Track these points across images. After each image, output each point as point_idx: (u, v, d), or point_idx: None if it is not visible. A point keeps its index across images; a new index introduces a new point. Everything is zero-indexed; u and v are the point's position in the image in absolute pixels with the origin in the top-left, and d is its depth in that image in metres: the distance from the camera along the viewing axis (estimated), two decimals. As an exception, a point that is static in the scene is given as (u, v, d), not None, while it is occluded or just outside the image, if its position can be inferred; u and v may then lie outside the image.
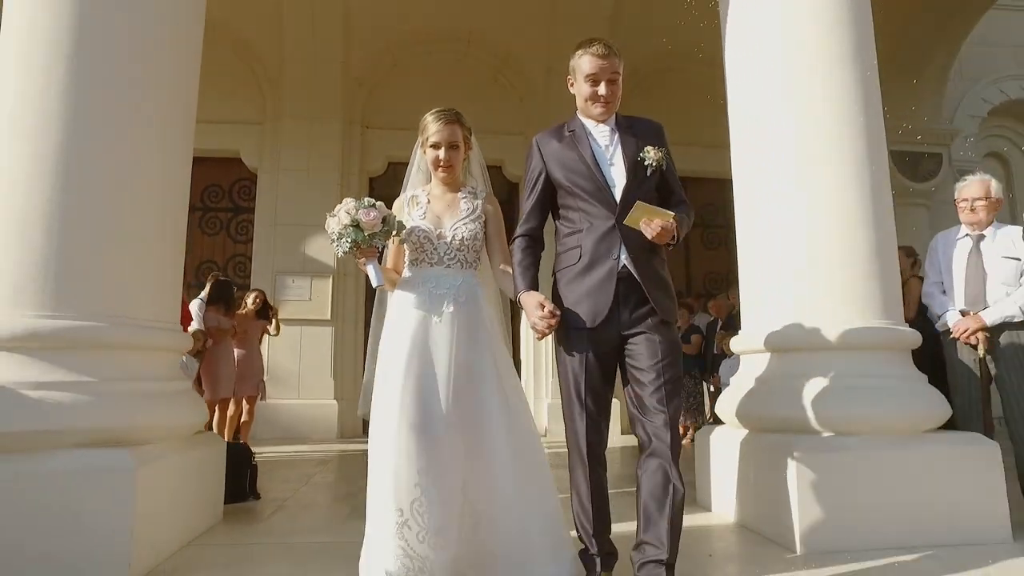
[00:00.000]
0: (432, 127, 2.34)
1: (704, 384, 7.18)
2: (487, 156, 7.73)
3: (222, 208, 8.18)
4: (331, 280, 7.62)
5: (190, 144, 3.11)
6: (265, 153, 8.09)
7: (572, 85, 2.35)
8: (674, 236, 2.12)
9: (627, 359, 2.22)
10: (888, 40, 8.50)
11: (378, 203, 2.27)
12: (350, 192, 8.01)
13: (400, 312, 2.29)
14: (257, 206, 8.02)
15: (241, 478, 3.70)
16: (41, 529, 2.27)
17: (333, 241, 2.27)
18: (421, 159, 2.45)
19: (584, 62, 2.27)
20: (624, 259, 2.18)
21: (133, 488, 2.34)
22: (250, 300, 6.09)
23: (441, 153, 2.34)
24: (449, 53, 8.46)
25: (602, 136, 2.29)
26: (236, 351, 5.76)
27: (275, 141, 8.06)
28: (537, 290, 2.25)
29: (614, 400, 2.40)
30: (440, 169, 2.37)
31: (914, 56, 8.67)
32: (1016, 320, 3.06)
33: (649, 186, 2.26)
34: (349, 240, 2.21)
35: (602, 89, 2.25)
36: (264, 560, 2.66)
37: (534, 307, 2.16)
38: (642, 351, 2.18)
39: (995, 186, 3.24)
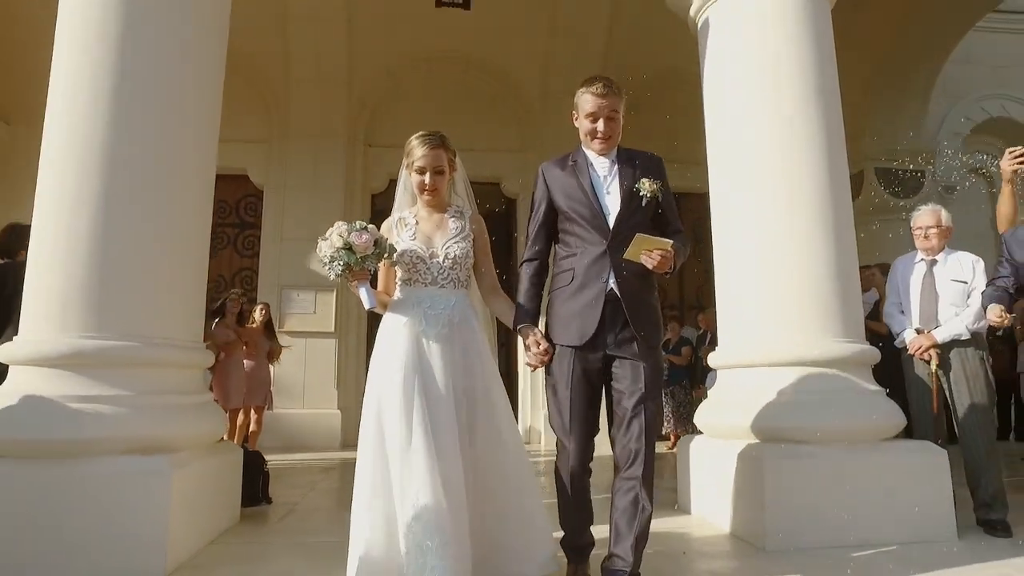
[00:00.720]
0: (417, 151, 2.39)
1: (693, 394, 7.46)
2: (486, 173, 8.08)
3: (229, 224, 8.47)
4: (335, 294, 7.89)
5: (212, 180, 3.40)
6: (271, 171, 8.38)
7: (576, 120, 2.50)
8: (672, 265, 2.24)
9: (612, 381, 2.36)
10: (871, 61, 8.88)
11: (370, 226, 2.30)
12: (353, 209, 8.33)
13: (395, 332, 2.31)
14: (263, 222, 8.31)
15: (255, 483, 3.97)
16: (86, 525, 2.55)
17: (325, 264, 2.29)
18: (407, 180, 2.49)
19: (585, 100, 2.42)
20: (612, 283, 2.31)
21: (169, 490, 2.62)
22: (257, 314, 6.37)
23: (426, 178, 2.38)
24: (449, 74, 8.75)
25: (602, 167, 2.44)
26: (245, 363, 6.04)
27: (281, 159, 8.35)
28: (537, 321, 2.41)
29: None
30: (425, 193, 2.42)
31: (897, 76, 8.97)
32: (963, 338, 3.36)
33: (643, 215, 2.39)
34: (342, 263, 2.24)
35: (601, 126, 2.39)
36: (280, 556, 2.93)
37: (531, 342, 2.33)
38: (626, 375, 2.32)
39: (945, 215, 3.55)
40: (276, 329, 6.77)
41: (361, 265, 2.26)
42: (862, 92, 9.06)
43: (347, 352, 8.02)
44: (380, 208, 8.69)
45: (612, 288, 2.31)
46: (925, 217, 3.54)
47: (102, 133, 2.86)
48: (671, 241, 2.22)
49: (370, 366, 2.35)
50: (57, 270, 2.79)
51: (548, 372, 2.43)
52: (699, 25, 3.99)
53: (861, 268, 6.37)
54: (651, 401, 2.30)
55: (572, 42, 8.45)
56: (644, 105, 8.58)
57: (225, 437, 5.72)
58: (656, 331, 2.40)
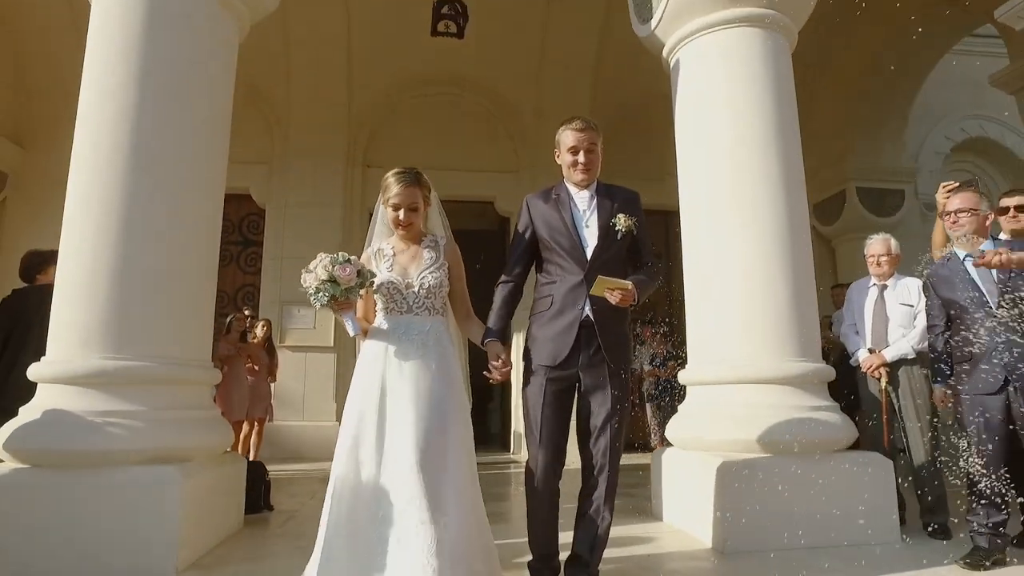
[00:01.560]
0: (393, 188, 2.48)
1: (678, 407, 7.72)
2: (480, 192, 8.41)
3: (232, 241, 8.76)
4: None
5: (220, 216, 3.71)
6: (273, 190, 8.68)
7: (558, 156, 2.69)
8: (635, 299, 2.42)
9: (581, 400, 2.54)
10: (851, 84, 9.22)
11: (352, 258, 2.39)
12: (352, 227, 8.65)
13: (373, 356, 2.42)
14: (265, 239, 8.60)
15: (257, 492, 4.25)
16: (104, 528, 2.84)
17: (310, 295, 2.37)
18: (383, 214, 2.59)
19: (566, 136, 2.63)
20: (588, 311, 2.48)
21: (180, 497, 2.91)
22: (259, 330, 6.66)
23: (401, 214, 2.48)
24: (445, 97, 9.06)
25: (582, 201, 2.62)
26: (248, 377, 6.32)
27: (282, 179, 8.66)
28: (505, 337, 2.57)
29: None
30: (400, 228, 2.52)
31: (876, 99, 9.29)
32: (910, 357, 3.65)
33: (618, 248, 2.56)
34: (327, 295, 2.33)
35: (581, 157, 2.59)
36: (281, 558, 3.20)
37: (493, 356, 2.47)
38: (595, 396, 2.50)
39: (894, 244, 3.86)
40: (277, 344, 7.06)
41: (346, 296, 2.36)
42: (843, 114, 9.41)
43: (345, 366, 8.27)
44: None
45: (587, 315, 2.48)
46: (877, 246, 3.84)
47: (122, 179, 3.18)
48: (629, 282, 2.40)
49: (350, 387, 2.46)
50: (82, 299, 3.09)
51: (524, 388, 2.59)
52: (671, 65, 4.30)
53: (835, 288, 6.70)
54: (616, 420, 2.48)
55: (562, 66, 8.79)
56: (631, 125, 8.94)
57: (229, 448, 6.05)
58: (625, 357, 2.57)
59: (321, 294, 2.33)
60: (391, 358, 2.39)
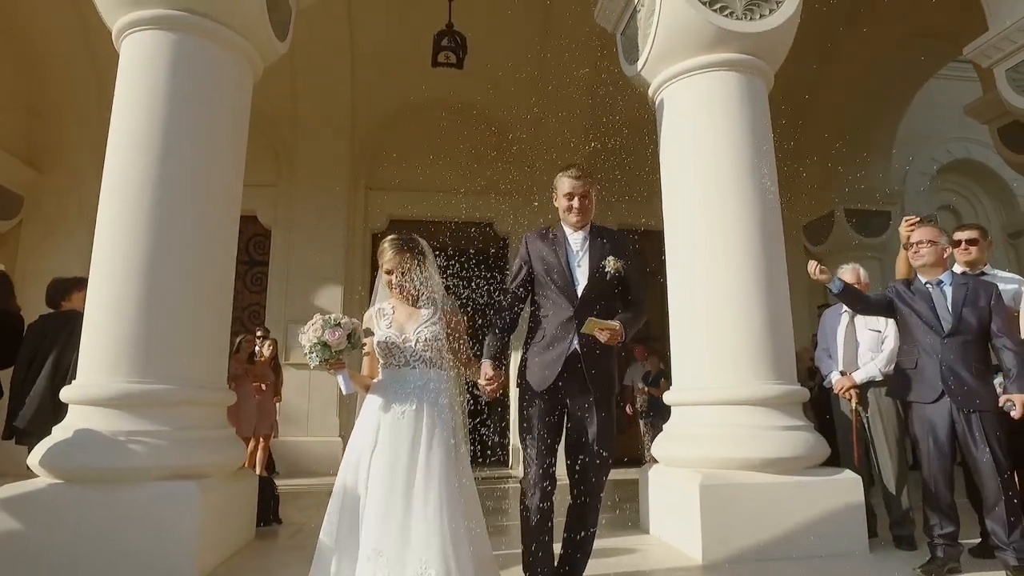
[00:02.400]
0: (387, 255, 2.62)
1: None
2: (480, 214, 8.69)
3: (239, 261, 8.83)
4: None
5: (235, 241, 3.98)
6: (279, 212, 8.97)
7: (555, 200, 2.86)
8: (623, 337, 2.59)
9: (570, 426, 2.71)
10: (837, 110, 9.54)
11: (343, 320, 2.48)
12: (355, 247, 8.94)
13: (372, 408, 2.54)
14: (271, 260, 8.88)
15: (267, 506, 4.50)
16: (128, 540, 3.09)
17: (306, 354, 2.47)
18: (382, 276, 2.70)
19: (563, 183, 2.82)
20: (576, 344, 2.66)
21: (198, 511, 3.16)
22: (266, 349, 6.91)
23: (393, 279, 2.62)
24: (445, 122, 9.32)
25: (575, 242, 2.80)
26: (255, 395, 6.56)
27: (288, 201, 8.95)
28: (500, 359, 2.71)
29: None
30: (394, 290, 2.65)
31: (862, 123, 9.59)
32: (877, 379, 3.91)
33: (607, 287, 2.73)
34: (319, 356, 2.43)
35: (576, 203, 2.78)
36: (292, 567, 3.42)
37: (483, 376, 2.62)
38: (583, 426, 2.67)
39: (863, 273, 4.13)
40: (282, 361, 7.31)
41: (336, 357, 2.46)
42: (831, 138, 9.70)
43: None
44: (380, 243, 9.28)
45: (575, 348, 2.66)
46: (847, 274, 4.11)
47: (147, 216, 3.48)
48: (617, 323, 2.59)
49: (351, 436, 2.59)
50: (110, 328, 3.36)
51: (521, 412, 2.77)
52: (656, 103, 4.60)
53: (823, 307, 6.95)
54: (601, 444, 2.66)
55: (559, 92, 9.10)
56: (624, 147, 9.22)
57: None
58: (610, 387, 2.73)
59: (314, 355, 2.44)
60: (387, 409, 2.49)
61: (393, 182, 9.28)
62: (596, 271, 2.73)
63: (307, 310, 8.55)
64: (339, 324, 2.46)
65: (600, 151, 9.48)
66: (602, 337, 2.56)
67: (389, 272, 2.63)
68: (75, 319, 4.32)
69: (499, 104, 9.29)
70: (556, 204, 2.88)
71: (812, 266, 3.47)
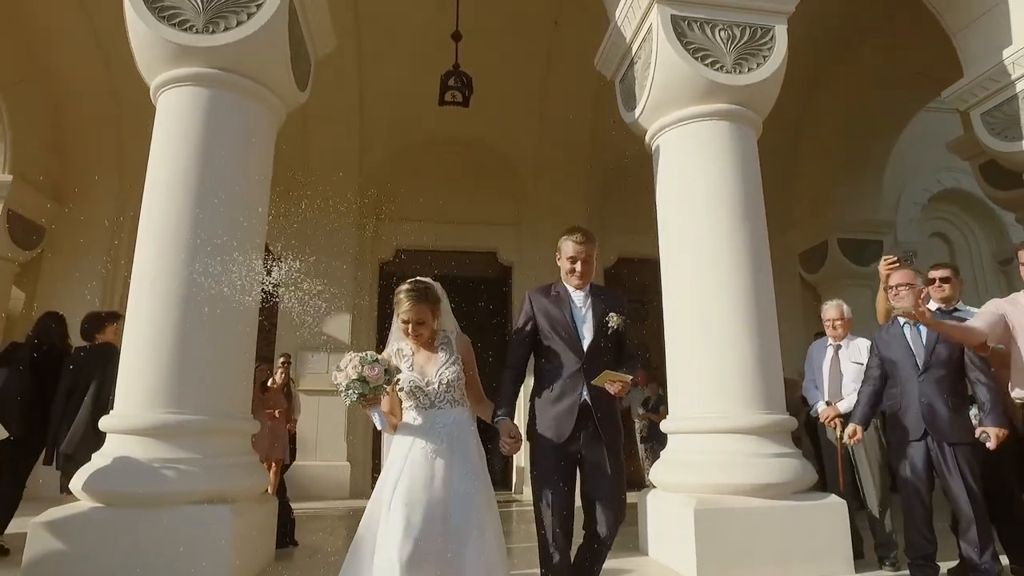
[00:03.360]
0: (404, 305, 2.69)
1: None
2: (484, 244, 9.02)
3: (251, 290, 9.32)
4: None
5: (257, 287, 4.26)
6: (289, 242, 9.27)
7: (559, 259, 2.97)
8: (628, 388, 2.74)
9: (584, 475, 2.80)
10: (830, 142, 9.87)
11: (380, 357, 2.57)
12: (364, 277, 9.23)
13: (399, 450, 2.61)
14: (282, 289, 9.15)
15: (284, 529, 4.73)
16: (167, 559, 3.33)
17: (341, 392, 2.49)
18: (397, 321, 2.77)
19: (567, 246, 2.93)
20: (586, 395, 2.77)
21: (230, 533, 3.41)
22: (278, 376, 7.16)
23: (410, 328, 2.69)
24: (451, 155, 9.68)
25: (579, 299, 2.93)
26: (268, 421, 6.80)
27: (299, 232, 9.23)
28: (512, 416, 2.78)
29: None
30: (410, 338, 2.73)
31: (854, 155, 9.92)
32: (860, 410, 4.17)
33: (609, 342, 2.88)
34: (357, 392, 2.48)
35: (578, 267, 2.90)
36: (313, 587, 3.69)
37: (504, 434, 2.67)
38: (595, 468, 2.77)
39: (846, 309, 4.42)
40: (294, 389, 7.55)
41: (374, 393, 2.52)
42: (827, 170, 10.04)
43: (356, 408, 8.72)
44: (387, 272, 9.58)
45: (585, 399, 2.78)
46: (831, 311, 4.40)
47: (180, 265, 3.77)
48: (628, 376, 2.70)
49: (381, 474, 2.66)
50: (147, 363, 3.64)
51: (533, 463, 2.85)
52: (653, 148, 4.91)
53: (819, 335, 7.21)
54: (616, 491, 2.78)
55: (561, 127, 9.47)
56: (624, 181, 9.52)
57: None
58: (618, 435, 2.86)
59: (352, 391, 2.49)
60: (419, 448, 2.57)
61: (400, 213, 9.61)
62: (600, 327, 2.86)
63: (317, 338, 8.86)
64: (377, 360, 2.53)
65: (602, 184, 9.83)
66: (612, 389, 2.69)
67: (405, 322, 2.69)
68: (112, 353, 4.61)
69: (503, 138, 9.64)
70: (559, 263, 2.99)
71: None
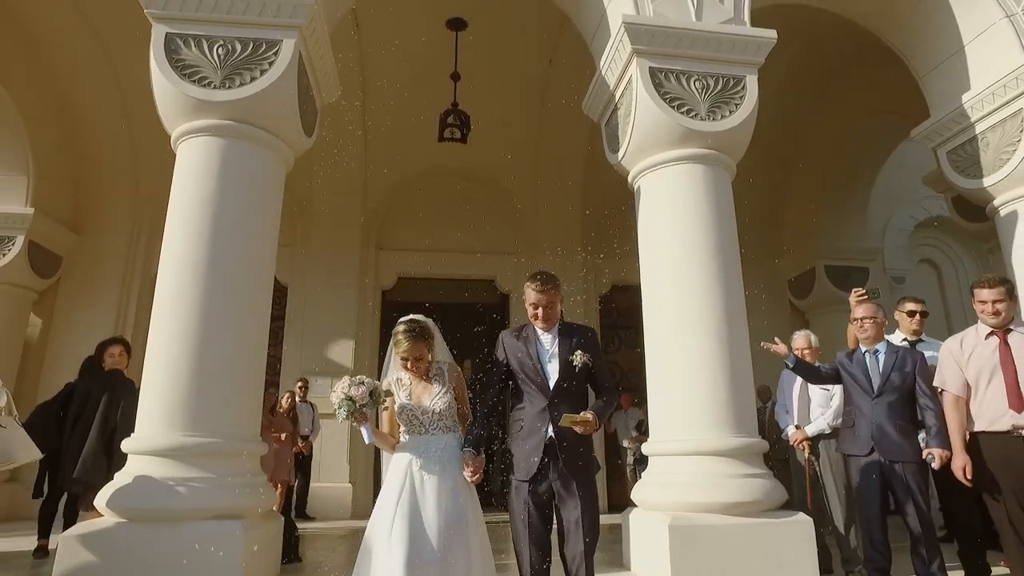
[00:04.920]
0: (403, 345, 2.95)
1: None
2: (483, 272, 9.40)
3: (257, 316, 9.67)
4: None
5: (269, 309, 4.61)
6: (295, 271, 9.64)
7: (525, 303, 3.14)
8: (597, 425, 2.89)
9: (557, 506, 2.98)
10: (816, 173, 10.24)
11: (367, 380, 2.86)
12: (366, 303, 9.58)
13: (397, 469, 2.89)
14: (287, 315, 9.50)
15: (289, 545, 5.02)
16: (184, 570, 3.63)
17: (335, 409, 2.81)
18: (394, 356, 3.07)
19: (528, 293, 3.09)
20: (551, 432, 2.93)
21: (242, 547, 3.72)
22: (284, 401, 7.49)
23: (408, 363, 2.98)
24: (450, 186, 10.07)
25: (546, 339, 3.09)
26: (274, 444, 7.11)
27: (304, 261, 9.63)
28: (479, 448, 2.96)
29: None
30: (409, 370, 3.01)
31: (840, 184, 10.29)
32: (826, 432, 4.49)
33: (577, 378, 2.99)
34: (345, 410, 2.80)
35: (540, 312, 3.06)
36: (316, 599, 3.99)
37: (466, 463, 2.86)
38: (567, 500, 2.94)
39: (814, 339, 4.75)
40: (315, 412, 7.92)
41: (360, 411, 2.81)
42: (814, 200, 10.40)
43: (358, 432, 9.04)
44: (389, 299, 9.94)
45: (551, 436, 2.94)
46: (799, 341, 4.73)
47: (201, 292, 4.12)
48: (590, 414, 2.86)
49: (380, 492, 2.94)
50: (167, 390, 3.98)
51: (508, 499, 3.04)
52: (635, 188, 5.28)
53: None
54: (587, 518, 2.92)
55: (556, 160, 9.90)
56: (616, 210, 9.88)
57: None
58: (587, 468, 2.99)
59: (341, 409, 2.81)
60: (414, 471, 2.86)
61: (401, 242, 10.02)
62: (565, 366, 2.99)
63: (321, 363, 9.20)
64: (363, 382, 2.85)
65: (594, 214, 10.22)
66: (578, 429, 2.86)
67: (404, 359, 2.98)
68: (116, 378, 4.94)
69: (500, 171, 10.04)
70: (526, 307, 3.15)
71: (765, 345, 4.09)
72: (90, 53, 8.29)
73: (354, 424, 2.88)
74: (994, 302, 3.52)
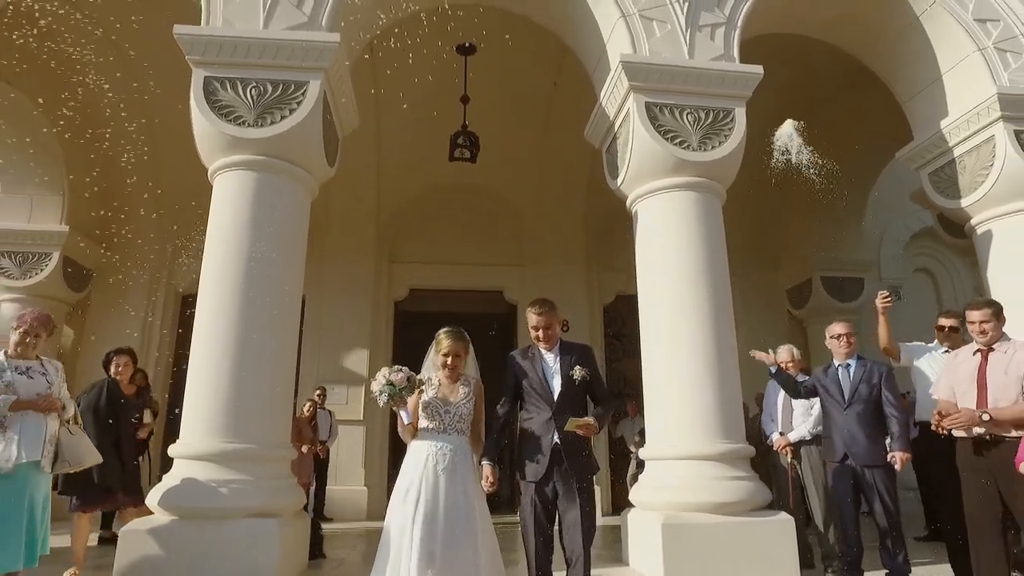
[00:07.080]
0: (445, 343, 3.35)
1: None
2: (491, 284, 9.91)
3: (276, 327, 10.12)
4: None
5: (297, 324, 5.05)
6: (312, 283, 9.99)
7: (529, 325, 3.56)
8: (598, 430, 3.35)
9: (559, 508, 3.39)
10: (812, 191, 10.57)
11: (403, 368, 3.24)
12: (379, 315, 10.00)
13: (415, 461, 3.22)
14: (304, 326, 9.85)
15: (314, 543, 5.45)
16: (227, 562, 4.07)
17: (375, 395, 3.17)
18: (435, 358, 3.41)
19: (530, 317, 3.54)
20: (556, 439, 3.36)
21: (277, 543, 4.16)
22: (305, 408, 7.93)
23: (448, 360, 3.34)
24: (460, 201, 10.44)
25: (549, 358, 3.54)
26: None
27: (320, 274, 10.04)
28: (495, 460, 3.39)
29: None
30: (446, 370, 3.36)
31: (835, 202, 10.64)
32: (807, 439, 4.88)
33: (578, 390, 3.46)
34: (387, 394, 3.17)
35: (541, 334, 3.51)
36: (343, 589, 4.41)
37: (484, 477, 3.32)
38: (568, 501, 3.34)
39: (796, 352, 5.16)
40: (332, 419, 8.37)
41: (400, 395, 3.21)
42: (809, 213, 10.76)
43: (373, 437, 9.49)
44: (402, 310, 10.37)
45: (556, 442, 3.37)
46: (783, 355, 5.13)
47: (235, 317, 4.57)
48: (591, 419, 3.33)
49: (396, 482, 3.27)
50: (209, 400, 4.43)
51: (520, 500, 3.45)
52: (633, 212, 5.70)
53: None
54: (586, 517, 3.33)
55: (560, 175, 10.29)
56: (618, 224, 10.22)
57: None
58: (588, 472, 3.40)
59: (383, 395, 3.19)
60: (429, 466, 3.19)
61: (413, 255, 10.44)
62: (567, 380, 3.44)
63: (337, 371, 9.64)
64: (401, 370, 3.25)
65: (597, 227, 10.61)
66: (582, 432, 3.31)
67: (446, 355, 3.33)
68: (106, 387, 5.13)
69: (508, 187, 10.45)
70: (529, 329, 3.59)
71: (754, 352, 4.50)
72: (123, 87, 8.75)
73: (394, 408, 3.25)
74: (980, 323, 3.74)
